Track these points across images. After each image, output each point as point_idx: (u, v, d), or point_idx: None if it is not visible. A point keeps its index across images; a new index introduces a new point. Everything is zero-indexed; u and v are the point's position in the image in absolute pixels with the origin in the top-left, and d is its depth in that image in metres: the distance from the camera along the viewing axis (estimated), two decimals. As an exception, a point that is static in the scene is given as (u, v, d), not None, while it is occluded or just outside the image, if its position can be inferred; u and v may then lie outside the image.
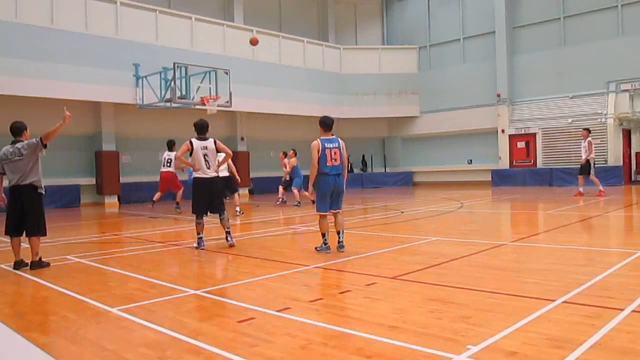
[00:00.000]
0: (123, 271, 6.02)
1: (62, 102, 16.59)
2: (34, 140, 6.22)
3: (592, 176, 14.53)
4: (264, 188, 21.85)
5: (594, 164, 14.71)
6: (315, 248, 6.89)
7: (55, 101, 16.39)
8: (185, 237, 9.29)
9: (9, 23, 14.54)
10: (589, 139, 14.58)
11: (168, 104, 16.30)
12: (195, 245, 7.53)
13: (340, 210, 6.89)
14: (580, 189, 14.61)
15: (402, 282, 4.98)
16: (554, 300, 4.05)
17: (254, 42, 16.35)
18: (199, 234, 7.50)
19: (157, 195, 14.18)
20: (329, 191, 6.70)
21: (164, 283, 5.28)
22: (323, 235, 6.82)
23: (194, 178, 7.46)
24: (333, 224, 6.90)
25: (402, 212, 12.07)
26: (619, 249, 6.95)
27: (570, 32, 21.09)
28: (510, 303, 4.09)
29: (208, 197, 7.38)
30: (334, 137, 6.80)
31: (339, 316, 3.90)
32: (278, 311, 4.06)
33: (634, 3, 19.50)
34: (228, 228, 7.54)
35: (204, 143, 7.31)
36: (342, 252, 6.67)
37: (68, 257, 7.10)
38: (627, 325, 3.44)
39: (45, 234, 6.40)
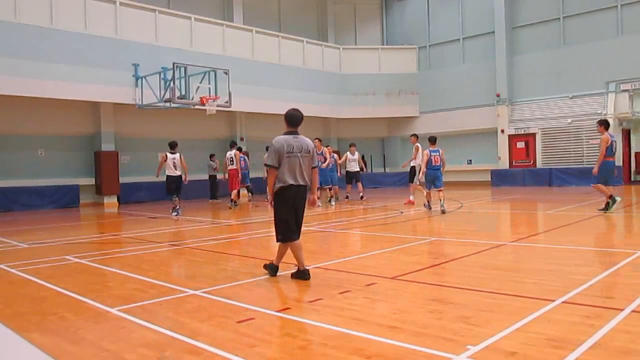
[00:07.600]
0: (122, 271, 6.01)
1: (62, 102, 16.67)
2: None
3: (416, 184, 13.75)
4: (263, 188, 21.78)
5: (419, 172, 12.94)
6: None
7: (54, 101, 16.42)
8: (185, 237, 9.29)
9: (8, 23, 14.53)
10: (417, 144, 13.74)
11: (167, 104, 16.30)
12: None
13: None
14: (411, 197, 14.03)
15: (402, 282, 4.98)
16: (553, 301, 4.05)
17: None
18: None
19: (234, 194, 14.96)
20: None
21: (163, 283, 5.27)
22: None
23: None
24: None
25: (402, 213, 12.06)
26: (619, 249, 6.94)
27: (569, 32, 21.10)
28: (510, 303, 4.09)
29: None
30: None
31: (338, 316, 3.89)
32: (278, 311, 4.06)
33: (633, 3, 19.51)
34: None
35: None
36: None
37: (67, 257, 7.09)
38: (627, 326, 3.44)
39: (277, 240, 5.52)
